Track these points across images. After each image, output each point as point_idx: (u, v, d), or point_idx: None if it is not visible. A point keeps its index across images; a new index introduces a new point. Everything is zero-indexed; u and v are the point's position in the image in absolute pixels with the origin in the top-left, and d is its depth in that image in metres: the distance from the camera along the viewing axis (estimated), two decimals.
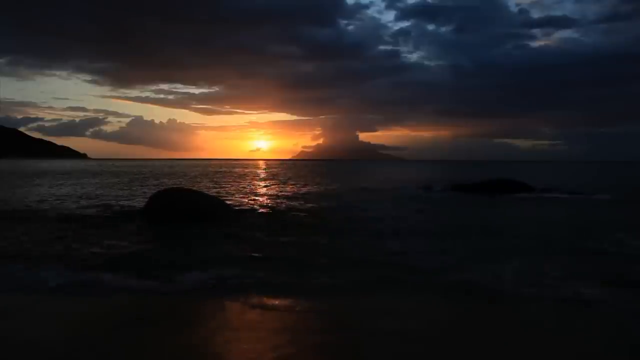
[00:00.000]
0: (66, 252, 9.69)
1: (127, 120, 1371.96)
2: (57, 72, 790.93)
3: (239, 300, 6.54)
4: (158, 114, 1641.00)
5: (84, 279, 7.66)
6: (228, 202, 18.99)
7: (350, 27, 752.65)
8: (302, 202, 21.30)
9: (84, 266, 8.51)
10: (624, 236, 11.94)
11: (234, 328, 5.54)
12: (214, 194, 21.87)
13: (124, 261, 8.96)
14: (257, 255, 9.58)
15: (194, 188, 22.77)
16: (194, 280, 7.67)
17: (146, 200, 16.93)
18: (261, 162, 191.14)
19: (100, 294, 6.90)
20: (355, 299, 6.83)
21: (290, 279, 7.78)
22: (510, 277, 7.89)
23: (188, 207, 14.56)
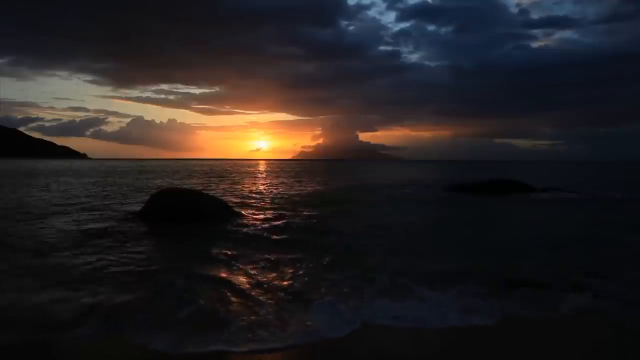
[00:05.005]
0: (63, 257, 9.62)
1: (128, 120, 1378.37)
2: (58, 72, 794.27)
3: (241, 303, 6.48)
4: (158, 114, 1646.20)
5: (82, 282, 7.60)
6: (228, 201, 18.92)
7: (351, 28, 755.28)
8: (302, 202, 21.24)
9: (82, 269, 8.45)
10: (632, 234, 12.06)
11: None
12: (214, 194, 21.81)
13: (121, 265, 8.87)
14: (257, 255, 9.52)
15: (194, 188, 22.72)
16: (193, 282, 7.61)
17: (145, 200, 16.86)
18: (261, 162, 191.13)
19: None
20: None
21: (291, 280, 7.74)
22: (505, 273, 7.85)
23: (188, 208, 14.51)
